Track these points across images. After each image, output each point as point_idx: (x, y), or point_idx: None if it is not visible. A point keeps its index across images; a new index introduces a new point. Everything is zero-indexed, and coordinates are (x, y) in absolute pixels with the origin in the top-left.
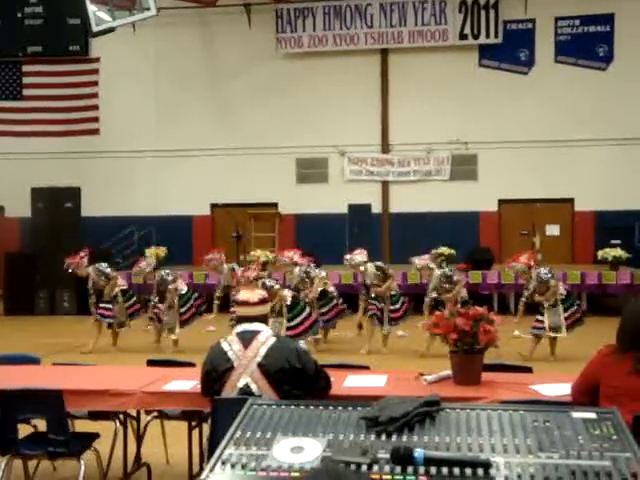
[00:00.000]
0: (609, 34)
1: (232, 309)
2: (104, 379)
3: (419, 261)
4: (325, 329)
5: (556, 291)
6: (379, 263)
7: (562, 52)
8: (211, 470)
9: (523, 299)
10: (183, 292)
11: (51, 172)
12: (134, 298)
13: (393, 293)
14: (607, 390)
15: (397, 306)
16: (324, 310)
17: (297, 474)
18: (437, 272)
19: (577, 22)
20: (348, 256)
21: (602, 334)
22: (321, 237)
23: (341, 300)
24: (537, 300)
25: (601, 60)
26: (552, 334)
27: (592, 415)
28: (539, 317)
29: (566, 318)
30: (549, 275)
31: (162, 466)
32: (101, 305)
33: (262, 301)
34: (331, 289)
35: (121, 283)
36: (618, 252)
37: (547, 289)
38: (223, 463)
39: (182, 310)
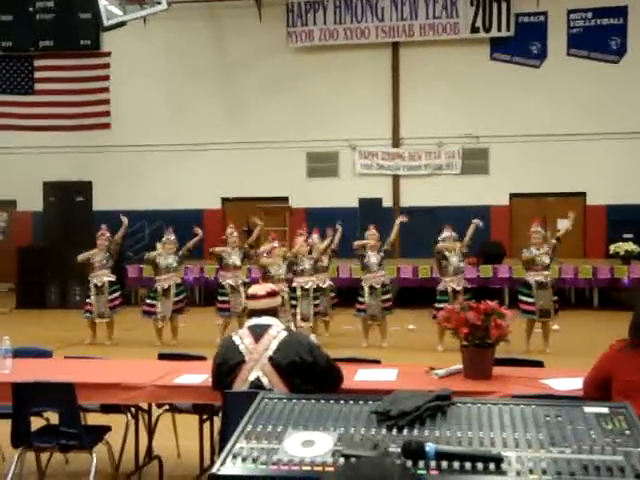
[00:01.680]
0: (622, 27)
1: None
2: (116, 372)
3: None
4: (325, 322)
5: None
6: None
7: (574, 45)
8: (222, 464)
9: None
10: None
11: (63, 166)
12: (119, 292)
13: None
14: (620, 385)
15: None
16: (317, 302)
17: (308, 468)
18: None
19: (589, 15)
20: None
21: (614, 329)
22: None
23: (333, 294)
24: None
25: (614, 53)
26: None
27: (604, 410)
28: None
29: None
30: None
31: (173, 459)
32: (87, 301)
33: (270, 294)
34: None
35: (109, 275)
36: (630, 246)
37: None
38: (234, 457)
39: (176, 299)
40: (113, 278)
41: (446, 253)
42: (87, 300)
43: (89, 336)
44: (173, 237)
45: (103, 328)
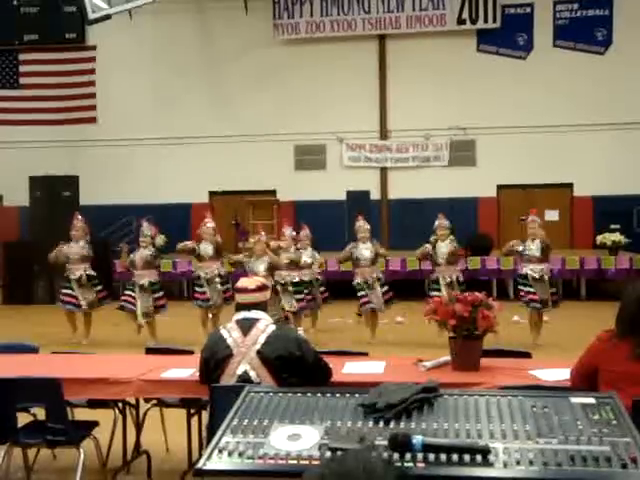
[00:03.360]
0: (608, 18)
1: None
2: (103, 367)
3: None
4: (313, 316)
5: None
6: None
7: (561, 36)
8: (208, 458)
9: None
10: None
11: (49, 161)
12: (99, 286)
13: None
14: (606, 375)
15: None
16: (299, 297)
17: (294, 462)
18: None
19: (576, 6)
20: None
21: (601, 319)
22: (320, 224)
23: (323, 288)
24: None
25: (600, 44)
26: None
27: (591, 400)
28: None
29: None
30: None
31: (161, 454)
32: (63, 291)
33: (260, 288)
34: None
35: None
36: (617, 237)
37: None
38: (220, 451)
39: (156, 296)
40: (93, 273)
41: (438, 243)
42: (64, 291)
43: (72, 332)
44: (148, 231)
45: (81, 322)
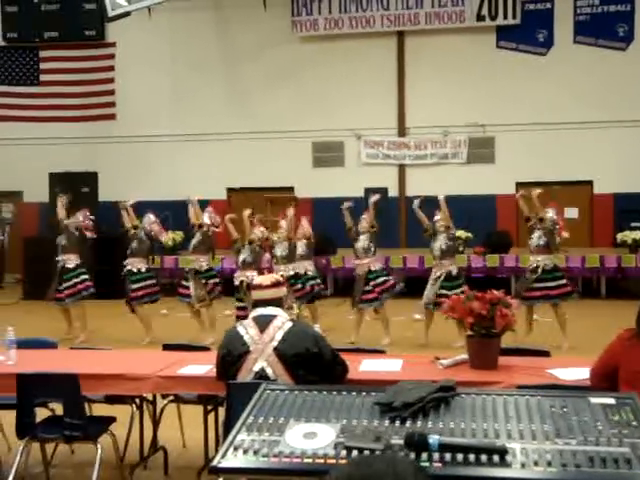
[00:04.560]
0: (629, 13)
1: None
2: (120, 363)
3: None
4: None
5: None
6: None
7: (581, 32)
8: (223, 456)
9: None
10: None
11: (68, 157)
12: (84, 276)
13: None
14: (627, 375)
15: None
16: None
17: (310, 460)
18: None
19: (596, 1)
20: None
21: (622, 318)
22: (337, 221)
23: (318, 281)
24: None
25: (621, 40)
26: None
27: (611, 400)
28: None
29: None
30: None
31: (178, 450)
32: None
33: (275, 284)
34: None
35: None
36: (638, 235)
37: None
38: (235, 449)
39: (134, 287)
40: (72, 264)
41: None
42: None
43: (68, 327)
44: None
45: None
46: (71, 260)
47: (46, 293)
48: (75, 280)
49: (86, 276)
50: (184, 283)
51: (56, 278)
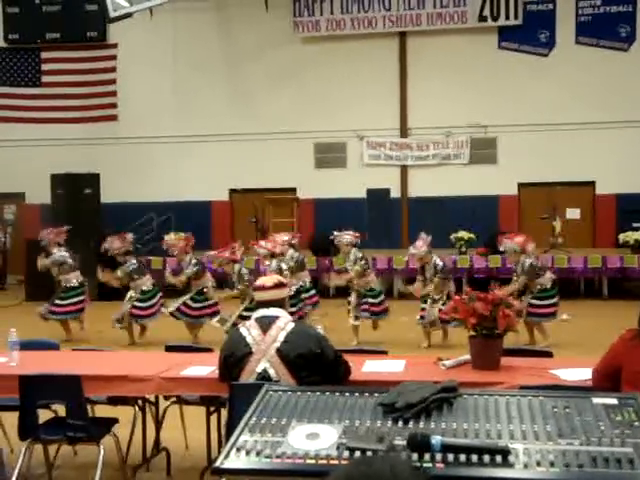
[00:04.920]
0: (631, 14)
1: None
2: (123, 365)
3: (415, 250)
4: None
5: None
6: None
7: (583, 33)
8: (226, 457)
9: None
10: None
11: (70, 159)
12: (82, 295)
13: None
14: (629, 375)
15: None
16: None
17: (313, 461)
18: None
19: (598, 2)
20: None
21: (624, 318)
22: (340, 222)
23: (313, 292)
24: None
25: (623, 41)
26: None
27: (613, 401)
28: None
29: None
30: (536, 264)
31: (181, 451)
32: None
33: (277, 285)
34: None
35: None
36: None
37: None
38: (238, 450)
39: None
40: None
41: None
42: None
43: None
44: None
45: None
46: (72, 279)
47: (53, 294)
48: (78, 298)
49: (85, 294)
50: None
51: (56, 294)
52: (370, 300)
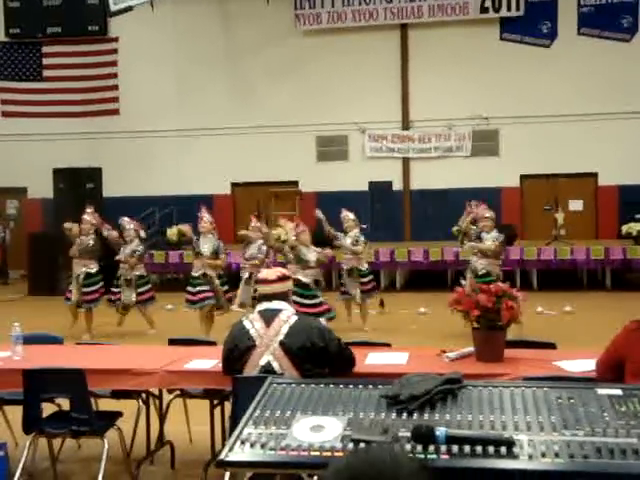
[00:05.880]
0: (634, 5)
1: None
2: (126, 358)
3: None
4: None
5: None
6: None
7: (585, 24)
8: (230, 449)
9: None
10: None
11: (72, 153)
12: (98, 285)
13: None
14: (633, 366)
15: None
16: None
17: (317, 453)
18: None
19: None
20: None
21: (627, 309)
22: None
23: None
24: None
25: (625, 31)
26: None
27: (618, 392)
28: None
29: None
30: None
31: (185, 444)
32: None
33: (281, 278)
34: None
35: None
36: None
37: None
38: (242, 442)
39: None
40: (92, 270)
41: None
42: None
43: (73, 322)
44: (129, 225)
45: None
46: (92, 266)
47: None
48: (96, 287)
49: (102, 282)
50: (190, 289)
51: (74, 281)
52: (361, 280)
